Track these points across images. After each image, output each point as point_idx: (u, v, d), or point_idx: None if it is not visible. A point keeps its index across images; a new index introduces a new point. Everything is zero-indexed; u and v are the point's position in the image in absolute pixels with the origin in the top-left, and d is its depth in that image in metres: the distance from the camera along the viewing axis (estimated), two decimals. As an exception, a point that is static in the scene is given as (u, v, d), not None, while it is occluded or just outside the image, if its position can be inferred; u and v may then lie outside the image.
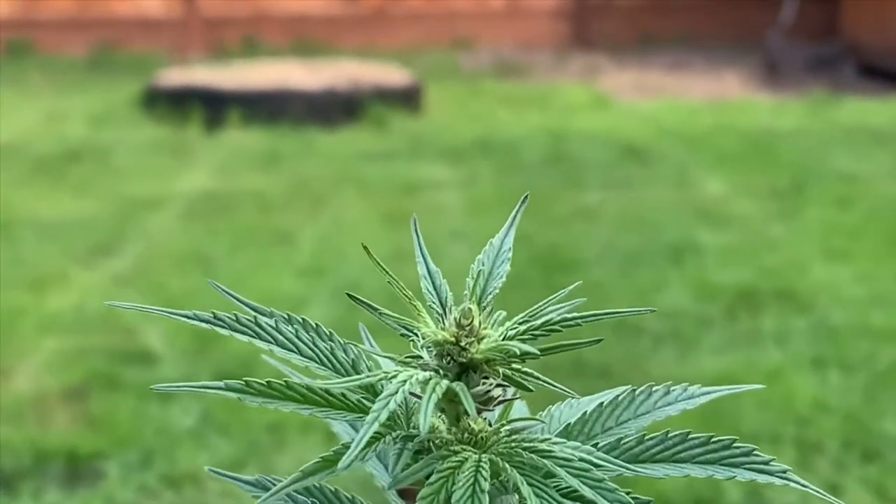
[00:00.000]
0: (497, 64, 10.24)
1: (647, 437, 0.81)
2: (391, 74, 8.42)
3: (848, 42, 10.26)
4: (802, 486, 0.80)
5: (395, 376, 0.72)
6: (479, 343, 0.76)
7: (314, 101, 7.75)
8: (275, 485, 0.74)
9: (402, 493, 0.79)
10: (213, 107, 7.63)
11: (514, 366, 0.77)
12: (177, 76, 8.26)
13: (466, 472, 0.71)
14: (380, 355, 0.82)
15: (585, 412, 0.85)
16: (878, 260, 4.78)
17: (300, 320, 0.84)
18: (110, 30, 10.90)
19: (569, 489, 0.73)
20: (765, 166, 6.50)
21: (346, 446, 0.71)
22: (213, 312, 0.80)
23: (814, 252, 4.88)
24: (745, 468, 0.81)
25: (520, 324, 0.79)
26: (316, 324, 0.83)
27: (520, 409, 0.90)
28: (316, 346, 0.81)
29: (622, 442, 0.81)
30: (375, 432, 0.73)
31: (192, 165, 6.61)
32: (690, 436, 0.81)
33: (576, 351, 3.19)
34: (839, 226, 5.27)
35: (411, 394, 0.74)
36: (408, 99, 8.04)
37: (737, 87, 9.25)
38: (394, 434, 0.76)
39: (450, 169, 6.44)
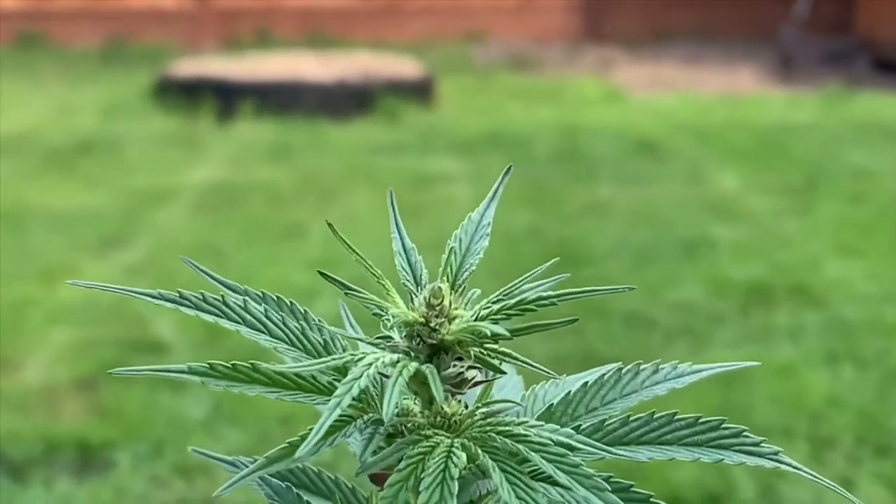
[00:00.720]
0: (509, 57, 10.22)
1: (631, 419, 0.78)
2: (403, 67, 8.41)
3: (862, 37, 10.21)
4: (795, 468, 0.76)
5: (361, 359, 0.70)
6: (450, 323, 0.73)
7: (326, 93, 7.74)
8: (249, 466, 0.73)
9: (374, 478, 0.77)
10: (225, 98, 7.63)
11: (486, 346, 0.74)
12: (189, 67, 8.25)
13: (437, 458, 0.69)
14: (354, 337, 0.79)
15: (569, 392, 0.82)
16: (892, 256, 4.76)
17: (274, 298, 0.81)
18: (122, 22, 10.90)
19: (547, 474, 0.70)
20: (778, 161, 6.47)
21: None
22: (178, 291, 0.78)
23: (827, 248, 4.86)
24: (734, 450, 0.77)
25: (493, 303, 0.76)
26: (291, 302, 0.81)
27: (515, 388, 0.88)
28: (286, 325, 0.78)
29: (605, 423, 0.78)
30: (346, 415, 0.72)
31: (203, 157, 6.61)
32: (677, 416, 0.78)
33: (586, 344, 3.16)
34: (852, 222, 5.24)
35: (382, 375, 0.71)
36: (420, 92, 8.03)
37: (750, 81, 9.22)
38: (365, 417, 0.73)
39: (461, 162, 6.42)
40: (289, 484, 0.81)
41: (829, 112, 7.84)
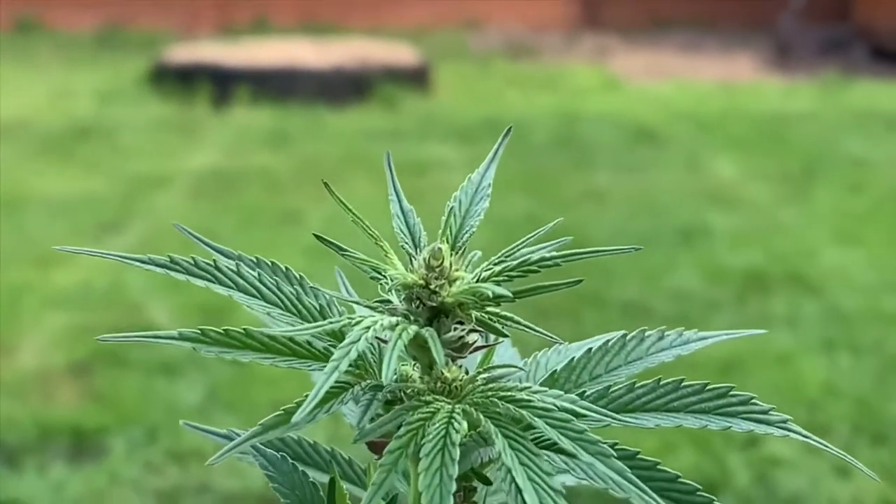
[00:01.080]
0: (507, 45, 10.19)
1: (637, 385, 0.76)
2: (400, 54, 8.38)
3: (860, 25, 10.19)
4: (804, 436, 0.75)
5: (358, 322, 0.66)
6: (450, 286, 0.71)
7: (323, 79, 7.72)
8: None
9: (372, 446, 0.74)
10: (221, 84, 7.61)
11: (488, 310, 0.71)
12: (185, 53, 8.23)
13: (437, 424, 0.66)
14: (351, 300, 0.77)
15: (573, 359, 0.80)
16: (890, 245, 4.75)
17: (269, 264, 0.79)
18: (119, 7, 10.86)
19: (551, 441, 0.68)
20: (776, 150, 6.46)
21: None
22: (169, 256, 0.76)
23: (824, 236, 4.85)
24: (741, 418, 0.75)
25: (495, 264, 0.74)
26: (286, 267, 0.79)
27: (511, 356, 0.85)
28: (280, 290, 0.75)
29: (610, 390, 0.76)
30: (343, 382, 0.69)
31: (199, 143, 6.59)
32: (684, 383, 0.76)
33: (582, 331, 3.14)
34: (850, 210, 5.24)
35: (380, 340, 0.69)
36: (417, 79, 8.00)
37: (748, 70, 9.20)
38: (363, 383, 0.71)
39: (458, 149, 6.40)
40: (284, 454, 0.79)
41: (826, 100, 7.82)
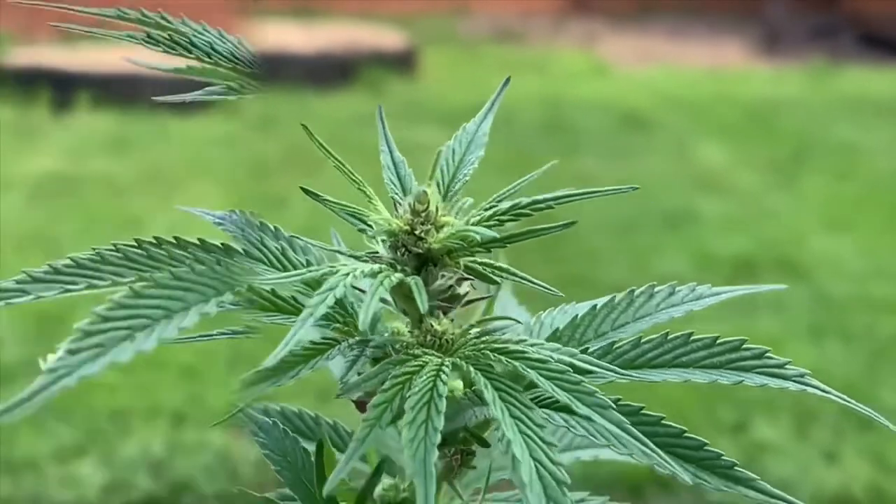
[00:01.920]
0: (494, 30, 10.15)
1: (643, 340, 0.72)
2: (386, 38, 8.34)
3: (849, 11, 10.18)
4: (823, 391, 0.71)
5: (338, 270, 0.63)
6: (437, 231, 0.68)
7: (309, 64, 7.67)
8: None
9: (360, 406, 0.71)
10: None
11: (480, 259, 0.68)
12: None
13: (424, 377, 0.62)
14: (335, 250, 0.73)
15: (576, 316, 0.76)
16: (879, 231, 4.74)
17: (257, 224, 0.75)
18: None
19: (549, 399, 0.64)
20: (764, 136, 6.44)
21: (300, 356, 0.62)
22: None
23: (813, 222, 4.83)
24: (755, 372, 0.70)
25: (485, 210, 0.70)
26: (275, 227, 0.75)
27: (518, 314, 0.82)
28: (265, 245, 0.71)
29: (615, 346, 0.72)
30: (329, 338, 0.66)
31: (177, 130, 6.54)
32: (693, 337, 0.72)
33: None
34: (839, 196, 5.22)
35: (360, 290, 0.65)
36: (403, 63, 7.96)
37: (736, 56, 9.18)
38: (351, 340, 0.67)
39: (445, 133, 6.32)
40: (275, 420, 0.76)
41: (815, 87, 7.81)
